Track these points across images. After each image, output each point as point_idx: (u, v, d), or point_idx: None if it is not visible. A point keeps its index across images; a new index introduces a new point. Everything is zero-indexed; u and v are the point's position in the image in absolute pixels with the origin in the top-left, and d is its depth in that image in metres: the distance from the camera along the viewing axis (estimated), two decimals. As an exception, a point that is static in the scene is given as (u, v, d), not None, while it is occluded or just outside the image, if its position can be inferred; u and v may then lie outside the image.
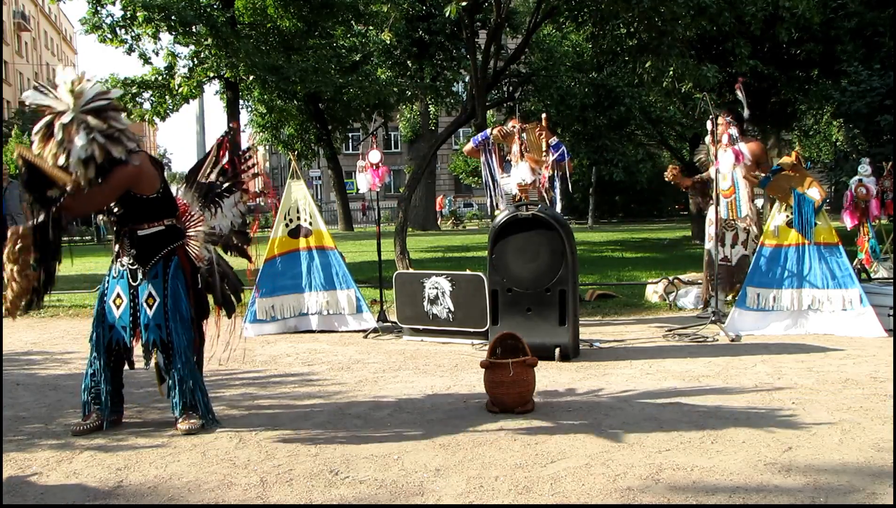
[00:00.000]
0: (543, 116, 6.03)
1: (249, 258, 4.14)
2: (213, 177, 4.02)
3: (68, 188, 3.38)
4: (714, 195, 6.25)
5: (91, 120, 3.36)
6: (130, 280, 3.67)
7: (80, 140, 3.31)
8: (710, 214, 6.51)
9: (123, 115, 3.60)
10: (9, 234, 3.39)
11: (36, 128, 3.40)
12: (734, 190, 6.39)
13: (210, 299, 4.00)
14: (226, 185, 3.99)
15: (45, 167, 3.35)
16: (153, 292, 3.65)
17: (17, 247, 3.35)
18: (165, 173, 3.87)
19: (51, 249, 3.48)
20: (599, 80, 19.11)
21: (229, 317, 4.15)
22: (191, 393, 3.72)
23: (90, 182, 3.42)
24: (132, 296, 3.67)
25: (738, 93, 6.38)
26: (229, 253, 4.13)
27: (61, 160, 3.33)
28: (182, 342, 3.68)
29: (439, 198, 33.42)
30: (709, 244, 6.57)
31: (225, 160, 4.03)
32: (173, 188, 3.93)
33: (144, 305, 3.64)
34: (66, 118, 3.32)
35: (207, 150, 4.09)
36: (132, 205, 3.63)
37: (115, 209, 3.66)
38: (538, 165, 5.91)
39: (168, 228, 3.73)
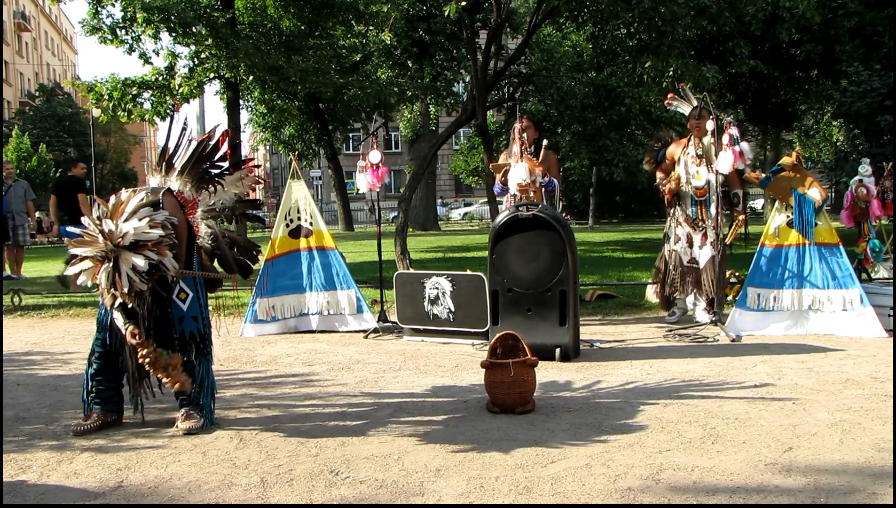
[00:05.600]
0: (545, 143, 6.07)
1: (263, 222, 4.20)
2: (205, 163, 3.91)
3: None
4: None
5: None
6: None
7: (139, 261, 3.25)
8: (677, 214, 6.49)
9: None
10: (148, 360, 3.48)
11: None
12: (706, 190, 6.27)
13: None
14: (226, 165, 3.99)
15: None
16: (184, 287, 3.68)
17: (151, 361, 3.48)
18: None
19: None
20: (599, 80, 19.11)
21: (246, 278, 4.29)
22: (211, 389, 3.79)
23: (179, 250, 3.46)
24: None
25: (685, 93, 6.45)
26: (236, 222, 4.15)
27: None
28: (210, 335, 3.78)
29: None
30: (675, 245, 6.45)
31: (224, 148, 3.98)
32: (152, 181, 3.85)
33: (177, 300, 3.66)
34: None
35: (172, 135, 3.93)
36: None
37: None
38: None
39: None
